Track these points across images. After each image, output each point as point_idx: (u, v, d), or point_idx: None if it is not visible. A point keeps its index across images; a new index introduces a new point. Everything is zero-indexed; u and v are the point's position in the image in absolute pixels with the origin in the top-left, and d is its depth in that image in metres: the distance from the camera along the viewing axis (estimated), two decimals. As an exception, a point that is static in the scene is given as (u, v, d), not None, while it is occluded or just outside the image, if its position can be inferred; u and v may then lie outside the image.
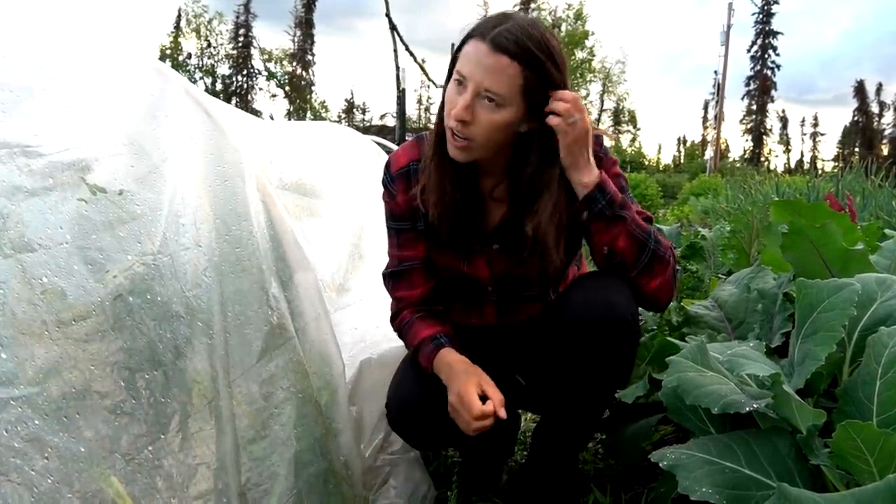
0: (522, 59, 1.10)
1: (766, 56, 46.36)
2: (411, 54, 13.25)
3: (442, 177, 1.24)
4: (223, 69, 45.04)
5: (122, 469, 0.93)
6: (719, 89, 30.53)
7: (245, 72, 45.52)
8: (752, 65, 46.83)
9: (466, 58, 1.13)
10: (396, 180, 1.32)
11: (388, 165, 1.35)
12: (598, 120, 44.96)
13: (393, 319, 1.40)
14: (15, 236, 0.86)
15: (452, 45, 1.23)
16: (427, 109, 44.24)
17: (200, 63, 43.95)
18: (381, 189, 1.36)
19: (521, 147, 1.21)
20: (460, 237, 1.31)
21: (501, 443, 1.59)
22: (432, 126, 1.28)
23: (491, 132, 1.15)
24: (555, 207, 1.20)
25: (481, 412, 1.13)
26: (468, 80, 1.12)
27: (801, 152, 55.62)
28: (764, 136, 48.61)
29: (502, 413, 1.15)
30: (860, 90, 50.46)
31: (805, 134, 55.93)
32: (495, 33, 1.10)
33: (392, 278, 1.39)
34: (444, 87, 1.23)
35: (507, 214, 1.28)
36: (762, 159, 46.41)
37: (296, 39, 45.35)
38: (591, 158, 1.18)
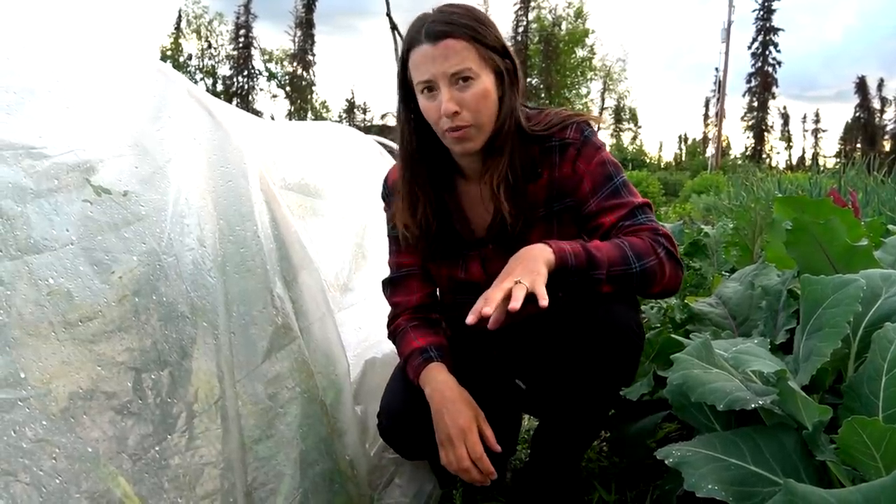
0: (461, 33, 1.15)
1: (767, 52, 46.27)
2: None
3: (414, 200, 1.29)
4: (224, 70, 45.17)
5: (129, 469, 0.94)
6: (720, 86, 30.50)
7: (246, 72, 45.56)
8: (753, 61, 46.76)
9: (420, 66, 1.18)
10: (392, 192, 1.37)
11: (385, 178, 1.41)
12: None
13: (389, 325, 1.41)
14: (21, 238, 0.86)
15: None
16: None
17: (201, 64, 44.04)
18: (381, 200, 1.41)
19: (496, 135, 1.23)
20: (448, 250, 1.33)
21: (503, 444, 1.59)
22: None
23: (480, 105, 1.18)
24: (511, 154, 1.22)
25: (481, 457, 1.16)
26: (434, 79, 1.16)
27: (803, 149, 55.65)
28: (765, 133, 48.53)
29: (497, 448, 1.19)
30: (862, 86, 50.36)
31: (807, 130, 55.93)
32: (426, 30, 1.16)
33: (390, 284, 1.41)
34: (400, 112, 1.28)
35: (496, 213, 1.28)
36: (763, 156, 46.35)
37: (296, 39, 45.37)
38: (535, 258, 1.11)
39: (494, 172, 1.23)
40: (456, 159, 1.31)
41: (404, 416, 1.30)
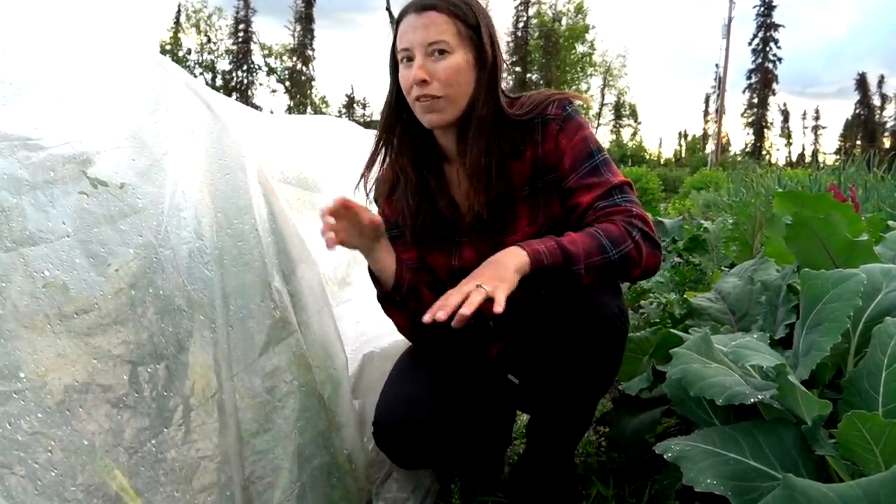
0: (446, 10, 1.20)
1: (768, 49, 46.23)
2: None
3: (393, 180, 1.30)
4: (223, 65, 45.09)
5: (125, 462, 0.93)
6: (720, 83, 30.46)
7: (245, 67, 45.47)
8: (753, 58, 46.74)
9: (403, 35, 1.22)
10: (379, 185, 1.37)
11: (376, 180, 1.39)
12: (599, 114, 44.96)
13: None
14: (17, 230, 0.86)
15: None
16: (427, 104, 44.32)
17: (200, 59, 43.97)
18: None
19: (470, 116, 1.23)
20: (439, 235, 1.33)
21: (499, 437, 1.59)
22: None
23: (452, 79, 1.19)
24: (488, 140, 1.22)
25: None
26: (412, 48, 1.20)
27: (803, 146, 55.66)
28: (765, 130, 48.51)
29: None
30: (862, 83, 50.32)
31: (807, 127, 55.94)
32: (415, 3, 1.21)
33: None
34: (390, 90, 1.29)
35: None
36: (763, 153, 46.34)
37: (296, 34, 45.29)
38: (506, 264, 1.09)
39: (468, 158, 1.23)
40: (437, 138, 1.31)
41: (400, 425, 1.27)
